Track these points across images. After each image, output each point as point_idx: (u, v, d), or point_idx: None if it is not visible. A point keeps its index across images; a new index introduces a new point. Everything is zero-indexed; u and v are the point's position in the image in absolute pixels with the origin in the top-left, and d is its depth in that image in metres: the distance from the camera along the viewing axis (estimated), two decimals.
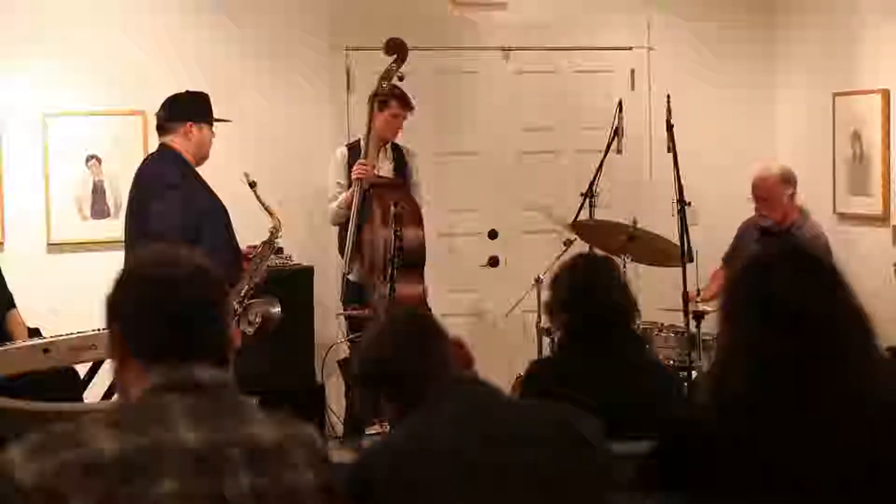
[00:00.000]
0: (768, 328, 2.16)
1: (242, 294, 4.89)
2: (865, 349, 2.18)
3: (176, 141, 4.92)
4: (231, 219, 4.95)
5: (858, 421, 2.11)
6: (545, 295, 3.46)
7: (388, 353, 2.42)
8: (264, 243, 5.03)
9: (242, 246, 5.13)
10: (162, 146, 4.97)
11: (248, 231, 5.18)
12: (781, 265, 2.24)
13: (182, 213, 4.70)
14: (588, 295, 3.29)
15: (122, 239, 5.03)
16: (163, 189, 4.79)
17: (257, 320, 4.93)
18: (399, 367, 2.39)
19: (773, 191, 5.53)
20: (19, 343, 4.95)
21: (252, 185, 4.91)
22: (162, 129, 4.97)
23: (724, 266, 5.88)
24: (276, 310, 4.99)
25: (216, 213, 4.89)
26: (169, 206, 4.72)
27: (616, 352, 3.27)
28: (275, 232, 5.01)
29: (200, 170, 4.98)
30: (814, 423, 2.11)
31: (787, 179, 5.57)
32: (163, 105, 4.99)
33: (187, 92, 5.03)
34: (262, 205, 4.95)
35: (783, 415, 2.11)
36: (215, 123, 5.03)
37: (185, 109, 4.94)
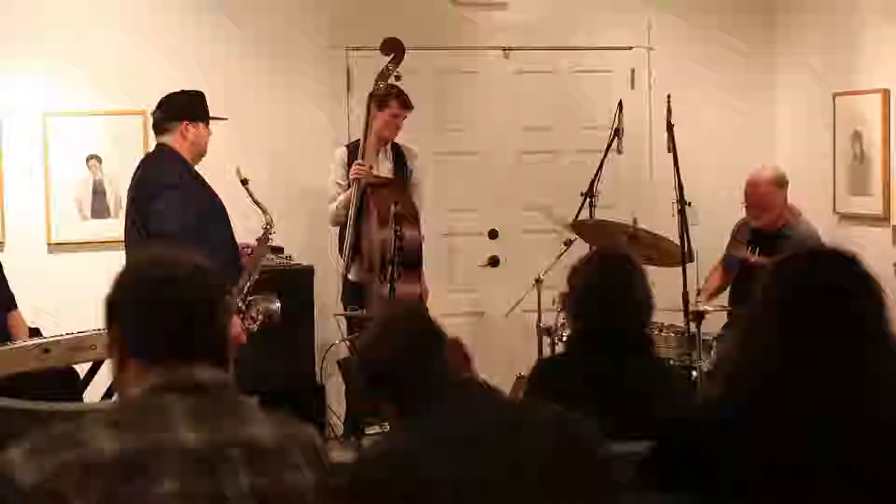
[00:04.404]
0: (790, 328, 2.15)
1: (245, 291, 4.89)
2: (884, 347, 2.16)
3: (173, 140, 4.92)
4: (229, 217, 4.96)
5: (866, 425, 2.10)
6: (562, 289, 3.37)
7: (387, 353, 2.42)
8: (259, 240, 5.04)
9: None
10: (160, 146, 4.97)
11: (247, 229, 5.19)
12: (812, 264, 2.23)
13: (182, 213, 4.69)
14: (604, 294, 3.19)
15: (122, 239, 5.02)
16: (162, 189, 4.79)
17: (259, 317, 4.93)
18: (398, 368, 2.39)
19: (765, 196, 5.52)
20: (19, 343, 4.95)
21: (244, 182, 4.91)
22: (158, 128, 4.97)
23: (721, 268, 5.88)
24: (276, 305, 5.00)
25: (216, 212, 4.89)
26: (169, 206, 4.71)
27: (629, 352, 3.22)
28: (268, 228, 5.02)
29: (200, 168, 4.98)
30: (822, 426, 2.10)
31: (779, 183, 5.56)
32: (158, 105, 4.99)
33: (182, 91, 5.02)
34: (255, 201, 4.96)
35: (795, 413, 2.11)
36: (212, 121, 5.03)
37: (181, 109, 4.93)
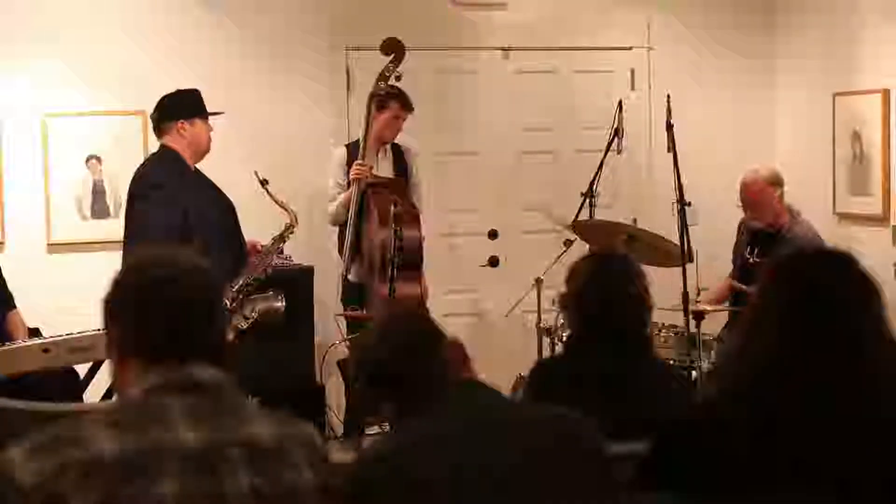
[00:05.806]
0: (789, 329, 2.15)
1: (236, 290, 4.89)
2: (883, 347, 2.16)
3: (172, 141, 4.94)
4: (235, 216, 4.97)
5: (866, 425, 2.10)
6: (561, 290, 3.37)
7: (387, 353, 2.42)
8: (275, 238, 5.05)
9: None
10: (161, 147, 5.01)
11: (251, 230, 5.19)
12: (814, 266, 2.23)
13: (165, 213, 4.71)
14: (603, 294, 3.19)
15: (122, 239, 5.04)
16: (146, 189, 4.83)
17: (254, 315, 4.93)
18: (398, 368, 2.39)
19: (760, 195, 5.52)
20: (19, 343, 4.95)
21: (263, 182, 4.93)
22: (157, 130, 5.01)
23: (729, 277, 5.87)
24: (279, 304, 5.00)
25: (214, 211, 4.90)
26: (151, 205, 4.74)
27: (629, 353, 3.21)
28: (289, 227, 5.03)
29: (206, 170, 4.99)
30: (822, 426, 2.10)
31: (774, 181, 5.55)
32: (155, 107, 5.02)
33: (176, 91, 5.04)
34: (276, 201, 4.98)
35: (795, 413, 2.10)
36: (211, 117, 5.04)
37: (175, 108, 4.96)
